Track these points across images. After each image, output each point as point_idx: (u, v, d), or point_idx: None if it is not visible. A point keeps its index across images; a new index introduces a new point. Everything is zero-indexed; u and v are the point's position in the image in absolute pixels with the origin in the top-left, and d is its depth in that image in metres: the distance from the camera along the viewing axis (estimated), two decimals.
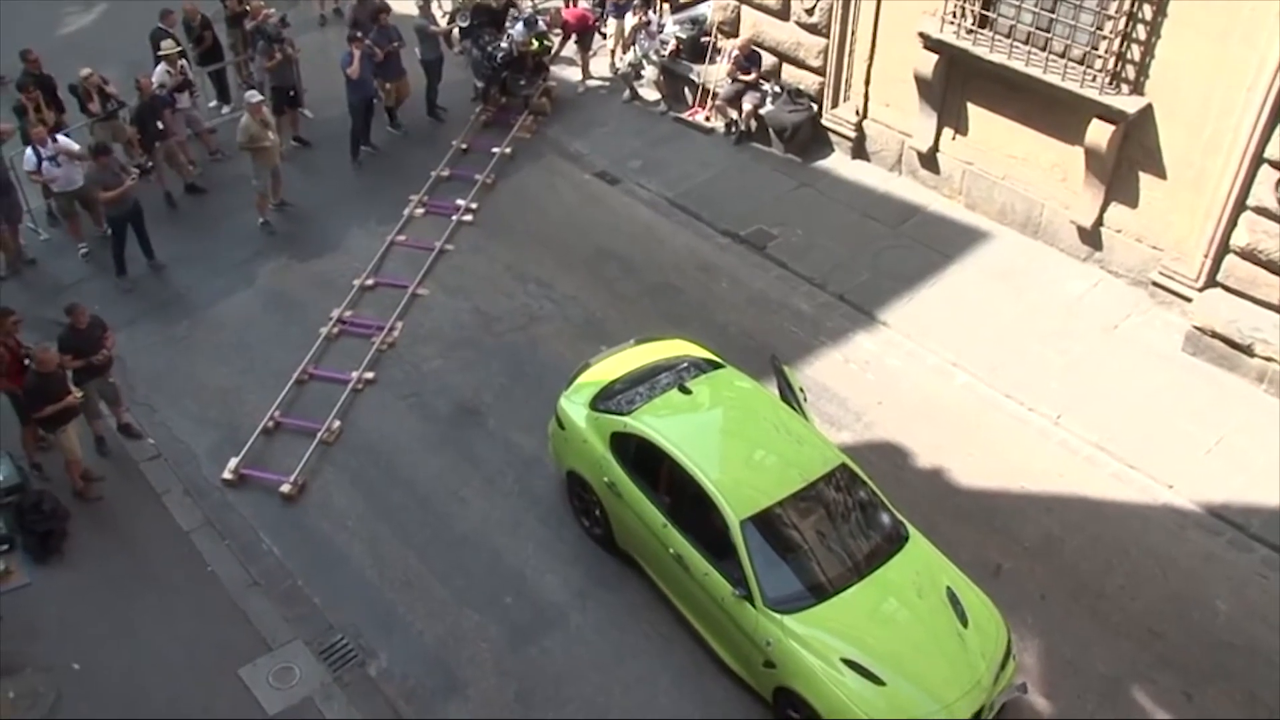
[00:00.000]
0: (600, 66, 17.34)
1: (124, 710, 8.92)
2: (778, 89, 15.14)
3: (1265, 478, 10.44)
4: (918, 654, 8.36)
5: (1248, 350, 11.35)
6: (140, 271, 13.64)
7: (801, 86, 15.08)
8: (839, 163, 15.00)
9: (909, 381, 11.84)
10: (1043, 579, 9.82)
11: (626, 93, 16.72)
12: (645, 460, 9.40)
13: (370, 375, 12.07)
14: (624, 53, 16.89)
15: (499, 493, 10.75)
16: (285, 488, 10.73)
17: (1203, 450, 10.77)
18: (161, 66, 14.71)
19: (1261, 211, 11.01)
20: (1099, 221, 12.69)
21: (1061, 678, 9.06)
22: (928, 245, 13.50)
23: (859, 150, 14.97)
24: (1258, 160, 10.92)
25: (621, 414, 9.70)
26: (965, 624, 8.50)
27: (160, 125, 14.31)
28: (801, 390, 10.36)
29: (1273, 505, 10.24)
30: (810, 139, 15.13)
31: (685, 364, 10.29)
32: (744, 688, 8.88)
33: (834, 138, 15.13)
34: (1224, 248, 11.53)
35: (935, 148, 14.03)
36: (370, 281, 13.40)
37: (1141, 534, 10.19)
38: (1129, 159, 12.13)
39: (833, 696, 8.08)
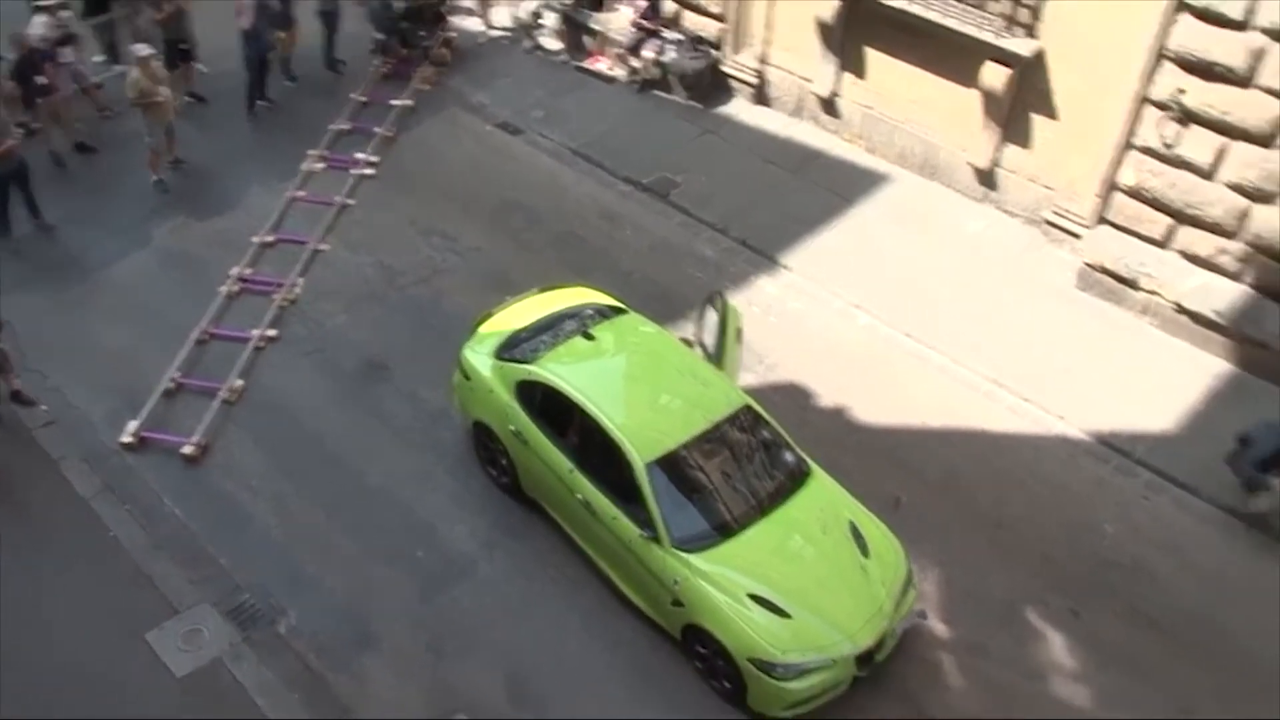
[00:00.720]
0: (501, 16, 17.06)
1: (27, 682, 8.70)
2: (679, 36, 15.10)
3: (1149, 406, 10.89)
4: (822, 588, 8.58)
5: (1133, 284, 11.75)
6: (27, 232, 13.15)
7: (702, 33, 15.05)
8: (740, 109, 15.05)
9: (812, 323, 12.02)
10: (943, 510, 10.11)
11: (528, 42, 16.52)
12: (551, 407, 9.43)
13: (273, 333, 11.85)
14: (525, 1, 16.66)
15: (407, 446, 10.70)
16: (187, 449, 10.53)
17: (1092, 382, 11.16)
18: (40, 17, 14.08)
19: (1147, 151, 11.35)
20: (995, 163, 12.96)
21: (960, 605, 9.38)
22: (829, 189, 13.65)
23: (760, 96, 15.02)
24: (1143, 101, 11.24)
25: (526, 362, 9.70)
26: (866, 555, 8.74)
27: (42, 80, 13.72)
28: (738, 330, 10.38)
29: (1155, 431, 10.69)
30: (711, 86, 15.14)
31: (589, 310, 10.30)
32: (652, 626, 9.03)
33: (735, 84, 15.16)
34: (1113, 186, 11.88)
35: (836, 93, 14.15)
36: (270, 238, 13.11)
37: (1035, 464, 10.55)
38: (1023, 101, 12.39)
39: (740, 631, 8.27)
